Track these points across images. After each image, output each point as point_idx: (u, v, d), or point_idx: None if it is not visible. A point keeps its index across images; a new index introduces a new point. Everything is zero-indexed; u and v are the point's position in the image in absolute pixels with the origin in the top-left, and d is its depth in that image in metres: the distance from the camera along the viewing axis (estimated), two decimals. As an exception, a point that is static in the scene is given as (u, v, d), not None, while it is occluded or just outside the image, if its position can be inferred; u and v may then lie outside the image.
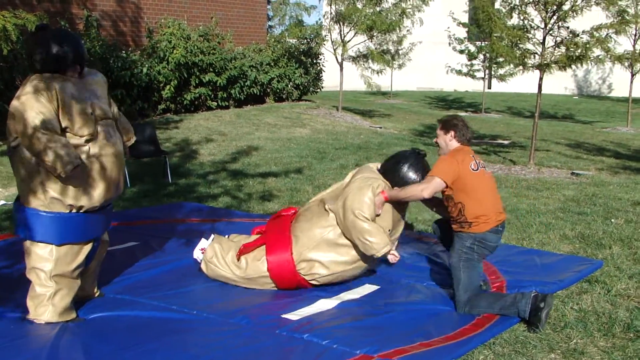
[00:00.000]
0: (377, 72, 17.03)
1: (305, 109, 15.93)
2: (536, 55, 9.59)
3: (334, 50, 15.85)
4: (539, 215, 6.87)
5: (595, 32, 9.16)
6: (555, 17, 9.31)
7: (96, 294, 4.39)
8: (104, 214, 4.15)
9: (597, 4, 9.18)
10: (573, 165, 10.21)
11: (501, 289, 4.63)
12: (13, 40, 8.17)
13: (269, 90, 16.29)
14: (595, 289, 4.71)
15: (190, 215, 6.66)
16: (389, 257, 4.74)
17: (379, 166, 4.83)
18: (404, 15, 15.69)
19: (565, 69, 9.36)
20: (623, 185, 8.61)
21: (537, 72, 9.72)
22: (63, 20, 11.84)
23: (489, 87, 24.42)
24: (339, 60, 15.82)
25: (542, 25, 9.42)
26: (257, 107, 15.50)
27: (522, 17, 9.57)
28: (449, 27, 19.42)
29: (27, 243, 3.96)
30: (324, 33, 16.78)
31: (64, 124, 3.79)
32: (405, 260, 5.34)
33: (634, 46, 15.35)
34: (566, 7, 9.20)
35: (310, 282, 4.58)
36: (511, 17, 9.79)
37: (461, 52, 19.53)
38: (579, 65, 9.26)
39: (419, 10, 15.85)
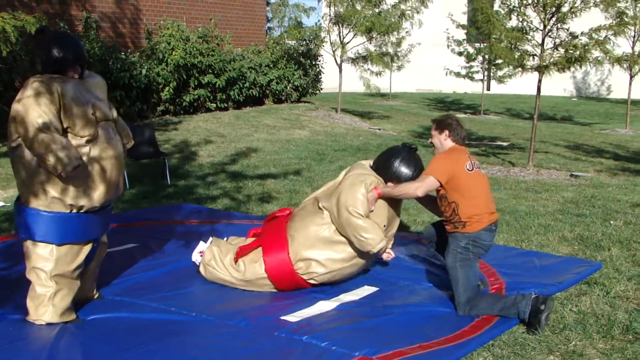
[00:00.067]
0: (376, 74, 17.04)
1: (304, 110, 15.93)
2: (535, 57, 9.60)
3: (333, 51, 15.86)
4: (538, 217, 6.88)
5: (594, 34, 9.17)
6: (554, 19, 9.32)
7: (95, 296, 4.39)
8: (104, 215, 4.16)
9: (596, 5, 9.19)
10: (572, 166, 10.22)
11: (500, 291, 4.63)
12: (12, 42, 8.17)
13: (268, 91, 16.29)
14: (594, 290, 4.71)
15: (189, 217, 6.66)
16: (384, 255, 4.76)
17: (372, 163, 4.84)
18: (403, 17, 15.70)
19: (564, 71, 9.37)
20: (622, 187, 8.61)
21: (536, 74, 9.73)
22: (62, 22, 11.84)
23: (488, 89, 24.42)
24: (338, 62, 15.83)
25: (541, 27, 9.43)
26: (256, 109, 15.50)
27: (521, 19, 9.58)
28: (447, 29, 19.42)
29: (28, 243, 3.97)
30: (323, 35, 16.78)
31: (65, 125, 3.81)
32: (404, 262, 5.34)
33: (632, 48, 15.37)
34: (565, 8, 9.21)
35: (309, 281, 4.58)
36: (510, 19, 9.80)
37: (460, 54, 19.54)
38: (577, 67, 9.27)
39: (417, 12, 15.86)
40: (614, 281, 4.90)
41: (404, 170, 4.62)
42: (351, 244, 4.49)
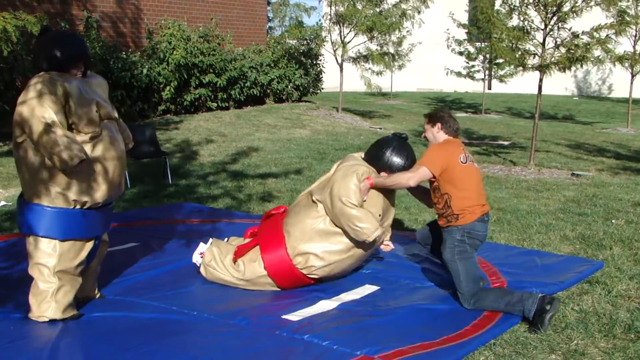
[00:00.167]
0: (377, 74, 17.05)
1: (305, 109, 15.93)
2: (536, 56, 9.59)
3: (334, 51, 15.86)
4: (540, 216, 6.87)
5: (595, 33, 9.16)
6: (555, 18, 9.30)
7: (97, 296, 4.39)
8: (106, 212, 4.18)
9: (597, 4, 9.17)
10: (573, 166, 10.21)
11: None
12: (13, 42, 8.17)
13: (269, 91, 16.29)
14: (595, 289, 4.70)
15: (190, 216, 6.66)
16: (383, 246, 4.78)
17: (364, 155, 4.83)
18: (404, 16, 15.69)
19: (564, 71, 9.36)
20: (623, 186, 8.61)
21: (537, 73, 9.72)
22: (63, 22, 11.84)
23: (489, 88, 24.41)
24: (339, 61, 15.83)
25: (542, 27, 9.42)
26: (257, 108, 15.50)
27: (522, 18, 9.57)
28: (448, 29, 19.40)
29: (31, 239, 3.99)
30: (323, 34, 16.78)
31: (70, 121, 3.85)
32: (405, 261, 5.34)
33: (634, 47, 15.35)
34: (566, 8, 9.20)
35: (309, 276, 4.57)
36: (511, 18, 9.79)
37: (460, 53, 19.53)
38: (579, 66, 9.26)
39: (419, 12, 15.85)
40: (616, 280, 4.89)
41: (396, 159, 4.63)
42: (347, 234, 4.49)
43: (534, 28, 9.54)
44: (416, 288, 4.72)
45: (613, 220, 6.72)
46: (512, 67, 10.86)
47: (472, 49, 19.46)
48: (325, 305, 4.34)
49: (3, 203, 7.02)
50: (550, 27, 9.35)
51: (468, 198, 4.30)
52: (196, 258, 4.85)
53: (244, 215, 6.79)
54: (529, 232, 6.28)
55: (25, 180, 3.95)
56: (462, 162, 4.33)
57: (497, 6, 10.34)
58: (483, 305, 4.24)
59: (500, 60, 16.18)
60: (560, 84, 25.94)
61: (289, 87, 16.63)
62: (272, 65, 16.16)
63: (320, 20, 18.74)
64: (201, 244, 4.90)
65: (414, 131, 14.80)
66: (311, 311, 4.22)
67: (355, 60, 16.22)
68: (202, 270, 4.76)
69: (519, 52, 9.57)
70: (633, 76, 15.65)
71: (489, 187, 8.38)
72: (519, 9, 9.55)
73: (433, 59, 25.59)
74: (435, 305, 4.39)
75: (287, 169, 9.29)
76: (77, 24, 12.36)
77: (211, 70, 14.14)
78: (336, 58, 15.89)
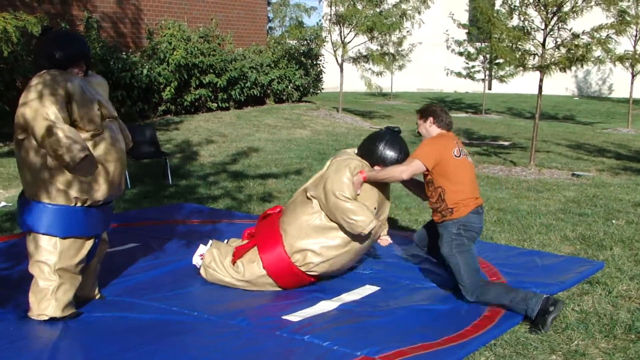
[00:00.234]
0: (377, 74, 17.05)
1: (305, 110, 15.93)
2: (536, 56, 9.58)
3: (334, 51, 15.86)
4: (540, 216, 6.87)
5: (595, 33, 9.15)
6: (555, 18, 9.30)
7: (97, 296, 4.39)
8: (106, 211, 4.20)
9: (598, 4, 9.17)
10: (574, 166, 10.20)
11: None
12: (14, 42, 8.17)
13: (269, 91, 16.29)
14: (596, 290, 4.70)
15: (190, 217, 6.66)
16: (381, 241, 4.78)
17: (357, 149, 4.84)
18: (404, 17, 15.69)
19: (565, 71, 9.36)
20: (624, 187, 8.60)
21: (537, 73, 9.72)
22: (63, 22, 11.84)
23: (489, 88, 24.40)
24: (339, 61, 15.83)
25: (542, 27, 9.42)
26: (257, 109, 15.50)
27: (522, 19, 9.57)
28: (447, 30, 19.40)
29: (31, 237, 4.00)
30: (324, 34, 16.78)
31: (72, 119, 3.87)
32: (405, 262, 5.33)
33: (634, 47, 15.34)
34: (566, 8, 9.19)
35: (308, 273, 4.57)
36: (511, 18, 9.79)
37: (460, 54, 19.53)
38: (579, 66, 9.26)
39: (419, 12, 15.85)
40: (616, 280, 4.89)
41: (389, 153, 4.64)
42: (343, 228, 4.49)
43: (534, 28, 9.53)
44: (416, 288, 4.72)
45: (613, 221, 6.71)
46: (512, 67, 10.85)
47: (472, 50, 19.46)
48: (325, 305, 4.33)
49: (3, 204, 7.02)
50: (550, 27, 9.35)
51: (462, 191, 4.31)
52: (196, 260, 4.85)
53: (244, 215, 6.78)
54: (530, 232, 6.27)
55: (26, 178, 3.96)
56: (455, 155, 4.34)
57: (497, 6, 10.34)
58: (486, 298, 4.25)
59: (501, 61, 16.17)
60: (560, 84, 25.94)
61: (289, 87, 16.63)
62: (273, 65, 16.16)
63: (320, 20, 18.74)
64: (201, 245, 4.90)
65: (414, 131, 14.80)
66: (311, 312, 4.22)
67: (355, 60, 16.22)
68: (202, 271, 4.76)
69: (519, 52, 9.57)
70: (633, 76, 15.64)
71: (489, 187, 8.38)
72: (519, 9, 9.55)
73: (433, 59, 25.58)
74: (436, 305, 4.39)
75: (288, 169, 9.28)
76: (77, 25, 12.37)
77: (211, 71, 14.14)
78: (336, 58, 15.89)
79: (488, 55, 18.61)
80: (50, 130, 3.75)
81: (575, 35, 9.25)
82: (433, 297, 4.55)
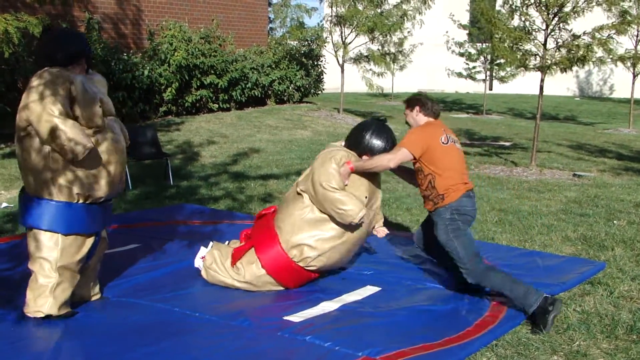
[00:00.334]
0: (378, 75, 17.05)
1: (306, 110, 15.93)
2: (537, 56, 9.58)
3: (335, 52, 15.86)
4: (541, 216, 6.86)
5: (596, 33, 9.15)
6: (556, 19, 9.30)
7: (96, 297, 4.39)
8: (106, 209, 4.23)
9: (599, 4, 9.17)
10: (575, 166, 10.20)
11: (503, 291, 4.60)
12: (15, 43, 8.17)
13: (270, 92, 16.29)
14: (597, 290, 4.70)
15: (191, 217, 6.66)
16: (377, 232, 4.79)
17: (344, 142, 4.85)
18: (405, 17, 15.69)
19: (566, 71, 9.36)
20: (625, 187, 8.60)
21: (538, 74, 9.71)
22: (65, 23, 11.84)
23: (490, 89, 24.40)
24: (340, 62, 15.83)
25: (544, 27, 9.42)
26: (258, 109, 15.50)
27: (523, 19, 9.57)
28: (447, 32, 19.39)
29: (33, 233, 4.01)
30: (325, 35, 16.78)
31: (74, 115, 3.89)
32: (407, 262, 5.33)
33: (635, 47, 15.33)
34: (567, 8, 9.19)
35: (307, 268, 4.57)
36: (512, 19, 9.79)
37: (461, 54, 19.52)
38: (580, 66, 9.25)
39: (419, 13, 15.84)
40: (618, 281, 4.88)
41: (376, 142, 4.65)
42: (335, 219, 4.50)
43: (535, 29, 9.53)
44: (417, 289, 4.72)
45: (615, 221, 6.71)
46: (513, 67, 10.86)
47: (473, 51, 19.45)
48: (326, 306, 4.33)
49: (5, 205, 7.02)
50: (551, 27, 9.35)
51: (451, 177, 4.33)
52: (198, 262, 4.85)
53: (245, 216, 6.78)
54: (531, 233, 6.27)
55: (28, 176, 3.98)
56: (443, 142, 4.36)
57: (498, 7, 10.33)
58: (488, 283, 4.26)
59: (502, 61, 16.16)
60: (561, 85, 25.93)
61: (290, 88, 16.63)
62: (273, 66, 16.16)
63: (321, 21, 18.74)
64: (202, 248, 4.90)
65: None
66: (313, 312, 4.22)
67: (356, 60, 16.22)
68: (203, 273, 4.76)
69: (520, 53, 9.57)
70: (635, 76, 15.63)
71: (491, 187, 8.38)
72: (521, 9, 9.55)
73: (434, 59, 25.56)
74: (437, 306, 4.38)
75: (289, 170, 9.28)
76: (78, 26, 12.37)
77: (212, 72, 14.15)
78: (337, 59, 15.89)
79: (489, 56, 18.60)
80: (54, 131, 3.78)
81: (576, 36, 9.25)
82: (434, 297, 4.55)
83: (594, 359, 3.69)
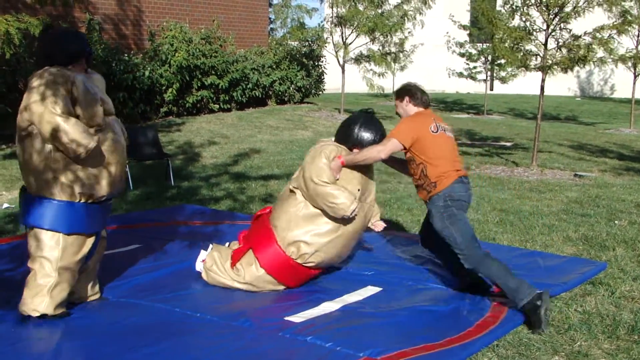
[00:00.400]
0: (379, 75, 17.05)
1: (307, 111, 15.93)
2: (538, 57, 9.58)
3: (336, 52, 15.86)
4: (542, 217, 6.86)
5: (597, 34, 9.15)
6: (557, 19, 9.30)
7: (96, 297, 4.39)
8: (107, 208, 4.24)
9: (599, 5, 9.17)
10: (576, 166, 10.19)
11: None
12: (16, 44, 8.18)
13: (270, 92, 16.29)
14: (599, 291, 4.69)
15: (192, 218, 6.66)
16: (375, 226, 4.80)
17: (334, 137, 4.86)
18: (406, 18, 15.69)
19: (567, 71, 9.35)
20: (626, 187, 8.59)
21: (539, 74, 9.71)
22: (65, 24, 11.86)
23: (491, 89, 24.39)
24: (341, 62, 15.82)
25: (544, 27, 9.42)
26: (259, 110, 15.50)
27: (524, 19, 9.57)
28: (448, 32, 19.38)
29: (34, 232, 4.00)
30: (325, 35, 16.78)
31: (75, 115, 3.89)
32: (408, 263, 5.33)
33: (636, 47, 15.32)
34: (568, 8, 9.19)
35: (305, 265, 4.57)
36: (513, 19, 9.79)
37: (461, 55, 19.51)
38: (581, 66, 9.25)
39: (420, 13, 15.84)
40: (619, 281, 4.88)
41: (365, 134, 4.66)
42: (328, 214, 4.50)
43: (536, 29, 9.53)
44: (419, 289, 4.71)
45: (616, 221, 6.70)
46: (514, 67, 10.86)
47: (473, 51, 19.44)
48: (328, 306, 4.33)
49: (6, 205, 7.02)
50: (552, 27, 9.35)
51: (442, 165, 4.35)
52: (199, 266, 4.85)
53: (246, 217, 6.78)
54: (532, 233, 6.27)
55: (29, 175, 3.98)
56: (432, 131, 4.37)
57: (498, 7, 10.33)
58: (484, 271, 4.27)
59: (503, 61, 16.16)
60: (563, 85, 25.91)
61: (291, 88, 16.63)
62: (274, 66, 16.17)
63: (322, 21, 18.75)
64: (202, 251, 4.89)
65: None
66: (314, 313, 4.22)
67: (356, 60, 16.22)
68: (203, 275, 4.76)
69: (521, 53, 9.56)
70: (636, 76, 15.62)
71: (492, 188, 8.38)
72: (521, 9, 9.55)
73: (435, 60, 25.56)
74: (438, 306, 4.38)
75: (290, 170, 9.28)
76: (79, 26, 12.38)
77: (213, 72, 14.15)
78: (338, 59, 15.89)
79: (489, 57, 18.59)
80: (56, 131, 3.78)
81: (576, 37, 9.25)
82: (435, 298, 4.55)
83: (595, 359, 3.68)
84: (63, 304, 4.06)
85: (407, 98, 4.56)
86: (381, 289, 4.70)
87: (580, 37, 9.25)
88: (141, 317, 4.11)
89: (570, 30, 9.32)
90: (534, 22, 9.54)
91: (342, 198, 4.38)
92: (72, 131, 3.78)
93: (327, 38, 16.63)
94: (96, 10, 12.89)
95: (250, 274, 4.57)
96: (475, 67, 19.65)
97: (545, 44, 9.44)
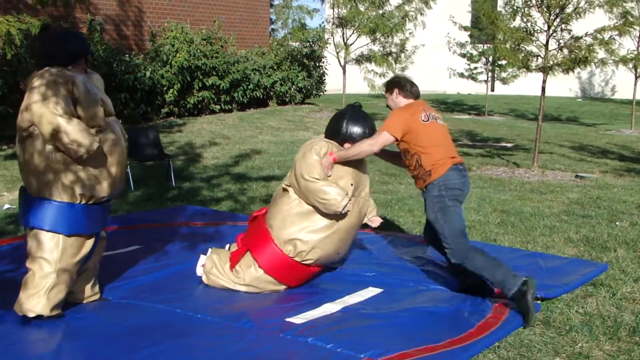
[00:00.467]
0: (380, 75, 17.04)
1: (308, 112, 15.94)
2: (539, 57, 9.58)
3: (337, 53, 15.86)
4: (543, 218, 6.86)
5: (598, 35, 9.15)
6: (558, 20, 9.30)
7: (96, 297, 4.39)
8: (106, 209, 4.24)
9: (600, 6, 9.17)
10: (577, 167, 10.19)
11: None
12: (17, 45, 8.19)
13: (272, 93, 16.30)
14: (600, 292, 4.69)
15: (193, 219, 6.66)
16: (371, 222, 4.80)
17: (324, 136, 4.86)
18: (407, 18, 15.69)
19: (568, 72, 9.35)
20: (627, 188, 8.58)
21: (540, 75, 9.71)
22: (66, 24, 11.87)
23: (492, 90, 24.38)
24: (342, 63, 15.83)
25: (545, 28, 9.42)
26: (260, 111, 15.51)
27: (525, 20, 9.57)
28: (448, 33, 19.39)
29: (34, 233, 3.99)
30: (326, 36, 16.79)
31: (77, 114, 3.89)
32: (409, 264, 5.32)
33: (637, 48, 15.31)
34: (569, 9, 9.19)
35: (303, 262, 4.56)
36: (514, 20, 9.79)
37: (463, 55, 19.51)
38: (582, 67, 9.25)
39: (421, 14, 15.85)
40: (620, 282, 4.88)
41: (355, 128, 4.67)
42: (321, 210, 4.50)
43: (537, 30, 9.53)
44: (420, 291, 4.71)
45: (617, 223, 6.70)
46: (515, 68, 10.87)
47: (474, 52, 19.43)
48: (329, 308, 4.33)
49: (7, 206, 7.02)
50: (553, 28, 9.34)
51: (436, 153, 4.36)
52: (199, 271, 4.84)
53: (247, 217, 6.78)
54: (533, 234, 6.26)
55: (30, 176, 3.97)
56: (423, 120, 4.39)
57: (499, 7, 10.34)
58: (470, 265, 4.28)
59: (504, 62, 16.15)
60: (564, 86, 25.90)
61: (292, 89, 16.64)
62: (275, 67, 16.17)
63: (322, 22, 18.75)
64: (202, 256, 4.88)
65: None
66: (315, 314, 4.22)
67: (357, 61, 16.22)
68: (204, 278, 4.76)
69: (522, 54, 9.57)
70: (637, 78, 15.61)
71: (493, 189, 8.37)
72: (522, 10, 9.55)
73: (436, 61, 25.55)
74: (439, 307, 4.37)
75: (290, 171, 9.28)
76: (80, 27, 12.39)
77: (214, 73, 14.15)
78: (339, 60, 15.90)
79: (490, 57, 18.59)
80: (57, 131, 3.78)
81: (577, 38, 9.25)
82: (436, 299, 4.54)
83: (596, 360, 3.68)
84: (59, 306, 4.05)
85: (396, 90, 4.59)
86: (382, 290, 4.70)
87: (581, 38, 9.25)
88: (142, 318, 4.11)
89: (571, 31, 9.32)
90: (535, 23, 9.54)
91: (333, 194, 4.38)
92: (73, 131, 3.78)
93: (328, 39, 16.63)
94: (97, 10, 12.90)
95: (249, 275, 4.57)
96: (476, 68, 19.64)
97: (547, 45, 9.44)
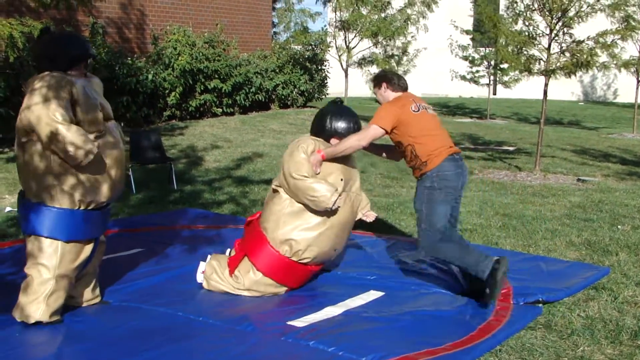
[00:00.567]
0: (382, 78, 17.05)
1: (310, 115, 15.94)
2: (541, 61, 9.58)
3: (339, 56, 15.87)
4: (545, 221, 6.85)
5: (600, 39, 9.15)
6: (560, 24, 9.30)
7: (97, 300, 4.39)
8: (106, 213, 4.23)
9: (602, 10, 9.17)
10: (579, 171, 10.18)
11: (507, 296, 4.59)
12: (19, 48, 8.20)
13: (274, 96, 16.32)
14: (602, 296, 4.68)
15: (195, 222, 6.67)
16: (366, 217, 4.81)
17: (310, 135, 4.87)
18: (409, 22, 15.71)
19: (570, 76, 9.36)
20: (629, 192, 8.58)
21: (542, 78, 9.71)
22: (69, 27, 11.90)
23: (494, 93, 24.37)
24: (344, 66, 15.84)
25: (547, 32, 9.42)
26: (262, 114, 15.52)
27: (527, 24, 9.58)
28: (450, 36, 19.41)
29: (33, 238, 3.99)
30: (328, 39, 16.80)
31: (75, 120, 3.88)
32: (410, 267, 5.32)
33: (639, 52, 15.31)
34: (571, 13, 9.20)
35: (301, 262, 4.56)
36: (516, 23, 9.80)
37: (465, 58, 19.52)
38: (584, 71, 9.26)
39: (423, 17, 15.87)
40: (622, 286, 4.87)
41: (339, 124, 4.67)
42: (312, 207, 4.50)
43: (539, 33, 9.54)
44: (421, 294, 4.71)
45: (619, 226, 6.69)
46: (517, 72, 10.88)
47: (476, 55, 19.44)
48: (330, 311, 4.33)
49: (9, 209, 7.03)
50: (555, 32, 9.35)
51: (431, 142, 4.37)
52: (200, 277, 4.84)
53: (249, 220, 6.78)
54: (535, 237, 6.26)
55: (29, 180, 3.96)
56: (414, 111, 4.40)
57: (501, 11, 10.35)
58: (441, 256, 4.32)
59: (506, 66, 16.16)
60: (566, 89, 25.89)
61: (294, 92, 16.66)
62: (277, 70, 16.19)
63: (325, 25, 18.77)
64: (201, 263, 4.88)
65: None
66: (317, 317, 4.21)
67: (360, 64, 16.24)
68: (204, 284, 4.75)
69: (524, 57, 9.57)
70: (639, 81, 15.61)
71: (495, 192, 8.37)
72: (525, 14, 9.56)
73: (438, 64, 25.57)
74: (441, 311, 4.37)
75: (292, 174, 9.28)
76: (82, 30, 12.42)
77: (216, 76, 14.17)
78: (341, 63, 15.91)
79: (492, 61, 18.59)
80: (55, 136, 3.77)
81: (579, 42, 9.25)
82: (438, 302, 4.54)
83: (598, 364, 3.68)
84: (58, 312, 4.04)
85: (384, 84, 4.60)
86: (384, 293, 4.69)
87: (583, 41, 9.26)
88: (143, 321, 4.11)
89: (571, 35, 9.33)
90: (537, 27, 9.55)
91: (322, 191, 4.38)
92: (72, 137, 3.75)
93: (330, 42, 16.65)
94: (100, 13, 12.93)
95: (249, 279, 4.57)
96: (478, 71, 19.65)
97: (549, 49, 9.44)
